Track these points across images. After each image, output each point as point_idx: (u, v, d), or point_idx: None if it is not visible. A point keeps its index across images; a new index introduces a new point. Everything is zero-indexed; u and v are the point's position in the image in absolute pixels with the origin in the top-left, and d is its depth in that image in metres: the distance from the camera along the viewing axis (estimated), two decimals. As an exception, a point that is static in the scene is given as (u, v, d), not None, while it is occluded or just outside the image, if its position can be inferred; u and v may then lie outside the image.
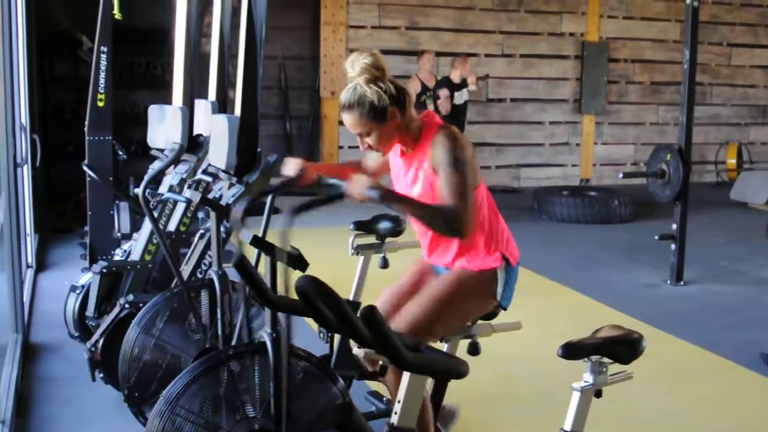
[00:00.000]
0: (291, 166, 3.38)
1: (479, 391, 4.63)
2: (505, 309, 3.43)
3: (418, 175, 3.25)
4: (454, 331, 3.41)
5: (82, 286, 5.01)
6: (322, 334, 4.23)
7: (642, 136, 14.49)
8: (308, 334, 4.72)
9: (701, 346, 5.74)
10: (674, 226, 7.46)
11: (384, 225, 4.09)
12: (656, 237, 7.57)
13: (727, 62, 14.83)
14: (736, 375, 5.28)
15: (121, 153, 7.08)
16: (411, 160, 3.28)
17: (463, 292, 3.29)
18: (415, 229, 3.45)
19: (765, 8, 14.93)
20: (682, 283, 7.46)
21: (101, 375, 4.46)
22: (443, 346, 3.44)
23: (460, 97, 10.82)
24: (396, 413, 2.15)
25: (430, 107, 11.01)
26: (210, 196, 4.09)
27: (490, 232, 3.34)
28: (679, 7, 13.69)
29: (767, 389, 5.06)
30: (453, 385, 3.65)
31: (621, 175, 8.27)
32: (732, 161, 14.32)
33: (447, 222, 3.02)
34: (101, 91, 5.93)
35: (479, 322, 3.48)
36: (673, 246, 7.45)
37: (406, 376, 2.13)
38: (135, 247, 4.90)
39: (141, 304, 4.21)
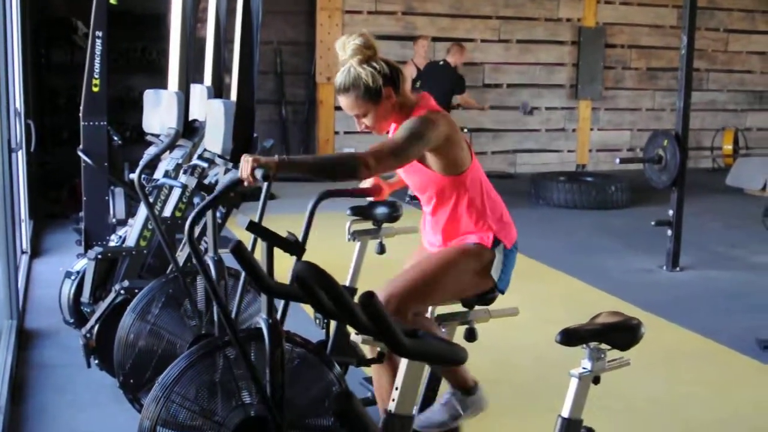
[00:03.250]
0: None
1: (475, 376, 4.62)
2: (502, 293, 3.43)
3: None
4: (448, 300, 3.41)
5: (77, 272, 4.98)
6: (318, 320, 4.21)
7: (638, 122, 14.47)
8: (304, 320, 4.71)
9: (697, 332, 5.74)
10: (670, 212, 7.46)
11: (381, 210, 4.07)
12: (652, 223, 7.56)
13: (723, 48, 14.81)
14: (733, 361, 5.28)
15: (116, 138, 7.04)
16: None
17: (459, 260, 3.30)
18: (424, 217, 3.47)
19: (762, -6, 14.92)
20: (678, 268, 7.46)
21: (96, 361, 4.45)
22: (440, 332, 3.43)
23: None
24: (394, 400, 2.14)
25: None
26: (206, 181, 4.07)
27: (482, 212, 3.35)
28: (675, -8, 13.68)
29: (764, 375, 5.07)
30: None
31: (618, 161, 8.27)
32: (728, 147, 14.33)
33: (343, 165, 2.98)
34: (96, 76, 5.89)
35: (476, 307, 3.47)
36: (669, 232, 7.45)
37: (404, 362, 2.11)
38: (130, 233, 4.88)
39: (136, 290, 4.19)
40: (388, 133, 3.39)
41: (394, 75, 3.23)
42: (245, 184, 2.87)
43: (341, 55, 3.21)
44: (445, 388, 3.62)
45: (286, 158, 2.87)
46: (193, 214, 3.00)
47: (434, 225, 3.44)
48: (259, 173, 2.78)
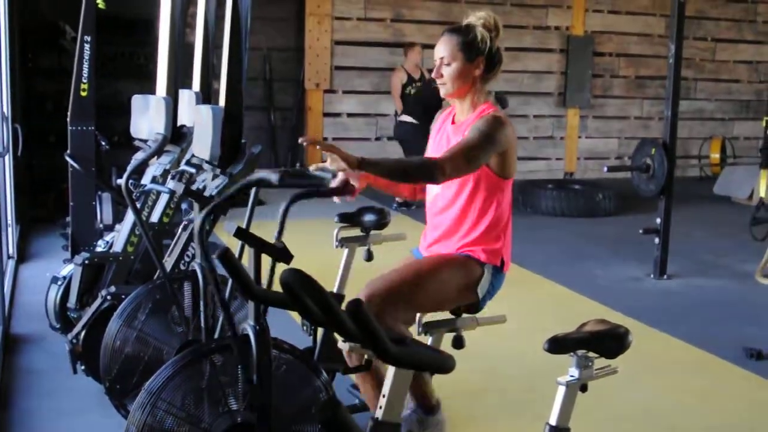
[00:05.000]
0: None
1: (463, 385, 4.62)
2: (480, 309, 3.45)
3: (454, 140, 3.34)
4: (427, 308, 3.39)
5: (64, 278, 4.96)
6: (305, 327, 4.21)
7: (626, 130, 14.51)
8: (292, 327, 4.69)
9: (684, 340, 5.75)
10: (658, 220, 7.47)
11: (369, 217, 4.07)
12: (640, 231, 7.57)
13: (711, 57, 14.87)
14: (720, 369, 5.29)
15: (103, 143, 7.04)
16: (459, 128, 3.37)
17: (444, 269, 3.29)
18: (436, 211, 3.47)
19: (749, 4, 14.98)
20: (665, 277, 7.47)
21: (82, 367, 4.42)
22: (427, 340, 3.42)
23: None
24: (381, 407, 2.13)
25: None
26: (193, 187, 4.06)
27: (503, 227, 3.37)
28: (664, 1, 13.71)
29: (750, 383, 5.08)
30: (436, 378, 3.64)
31: (606, 169, 8.30)
32: (716, 156, 14.37)
33: (421, 169, 3.11)
34: (84, 80, 5.88)
35: (463, 315, 3.47)
36: (656, 240, 7.46)
37: (391, 370, 2.11)
38: (117, 239, 4.86)
39: (123, 296, 4.18)
40: (448, 96, 3.43)
41: (494, 59, 3.43)
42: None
43: (470, 17, 3.41)
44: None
45: (368, 159, 2.97)
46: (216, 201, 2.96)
47: (454, 219, 3.40)
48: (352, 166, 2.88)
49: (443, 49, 3.35)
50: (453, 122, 3.44)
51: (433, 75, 3.40)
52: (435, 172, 3.03)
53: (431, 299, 3.33)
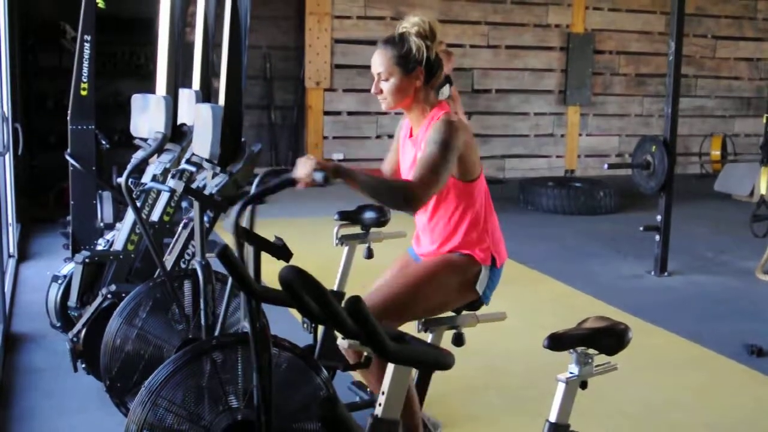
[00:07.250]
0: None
1: (463, 382, 4.62)
2: (485, 304, 3.44)
3: (416, 156, 3.26)
4: (430, 313, 3.37)
5: (65, 276, 4.97)
6: (305, 325, 4.21)
7: (627, 128, 14.49)
8: (292, 325, 4.70)
9: (685, 336, 5.75)
10: (658, 217, 7.47)
11: (369, 215, 4.07)
12: (641, 228, 7.57)
13: (711, 54, 14.84)
14: (720, 366, 5.29)
15: (104, 142, 7.05)
16: (415, 141, 3.31)
17: (441, 273, 3.27)
18: (418, 220, 3.46)
19: (749, 1, 14.96)
20: (666, 274, 7.47)
21: (83, 366, 4.43)
22: (428, 337, 3.43)
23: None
24: (380, 405, 2.13)
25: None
26: (193, 185, 4.06)
27: (484, 227, 3.34)
28: (664, -1, 13.72)
29: (751, 380, 5.08)
30: (437, 376, 3.64)
31: (606, 166, 8.31)
32: (716, 153, 14.34)
33: (396, 194, 3.02)
34: (84, 80, 5.89)
35: (463, 312, 3.47)
36: (657, 237, 7.46)
37: (390, 367, 2.11)
38: (118, 237, 4.87)
39: (123, 294, 4.19)
40: (392, 109, 3.33)
41: (434, 66, 3.26)
42: (300, 186, 2.91)
43: (403, 24, 3.27)
44: (432, 389, 3.62)
45: (342, 167, 2.91)
46: (237, 208, 2.96)
47: (430, 232, 3.40)
48: (319, 176, 2.81)
49: (379, 63, 3.23)
50: (410, 135, 3.37)
51: (372, 91, 3.30)
52: (411, 201, 2.98)
53: (432, 305, 3.32)
